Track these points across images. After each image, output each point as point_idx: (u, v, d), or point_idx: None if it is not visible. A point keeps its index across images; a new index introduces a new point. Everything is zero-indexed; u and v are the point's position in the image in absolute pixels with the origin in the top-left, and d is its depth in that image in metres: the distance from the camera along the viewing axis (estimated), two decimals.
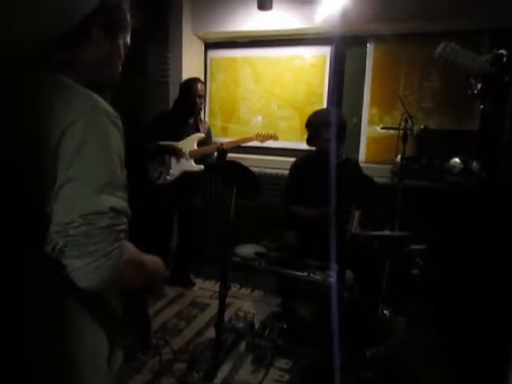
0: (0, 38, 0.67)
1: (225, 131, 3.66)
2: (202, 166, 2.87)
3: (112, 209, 0.67)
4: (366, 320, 2.16)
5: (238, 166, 2.09)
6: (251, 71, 3.50)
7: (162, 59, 3.33)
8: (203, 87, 2.93)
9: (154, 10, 3.27)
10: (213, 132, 3.31)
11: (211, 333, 2.30)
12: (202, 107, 3.05)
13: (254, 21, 3.17)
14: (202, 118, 3.21)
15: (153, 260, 0.84)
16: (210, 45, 3.64)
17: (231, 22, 3.25)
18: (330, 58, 3.23)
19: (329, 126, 2.24)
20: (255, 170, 2.21)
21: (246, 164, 2.11)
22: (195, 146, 2.87)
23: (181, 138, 2.85)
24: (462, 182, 2.53)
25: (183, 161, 2.85)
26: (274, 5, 2.92)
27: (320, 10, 2.92)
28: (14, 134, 0.67)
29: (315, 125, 2.36)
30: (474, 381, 1.96)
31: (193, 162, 2.86)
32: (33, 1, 0.67)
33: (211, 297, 2.93)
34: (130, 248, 0.73)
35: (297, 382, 2.02)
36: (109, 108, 0.71)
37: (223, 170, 2.25)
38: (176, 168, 2.85)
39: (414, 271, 2.11)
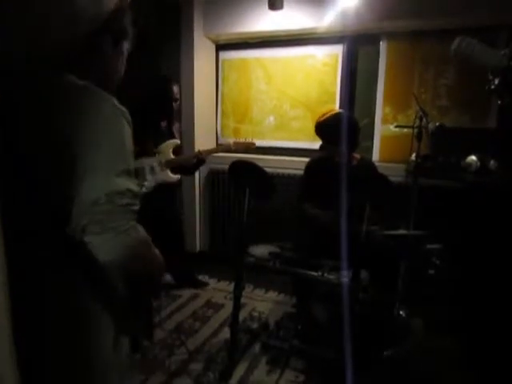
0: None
1: (237, 132, 3.66)
2: (179, 176, 2.61)
3: (130, 190, 0.76)
4: (381, 321, 2.14)
5: (252, 167, 2.08)
6: (263, 72, 3.50)
7: (174, 61, 3.36)
8: (178, 90, 2.67)
9: (165, 12, 3.30)
10: (225, 133, 3.29)
11: (226, 333, 2.31)
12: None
13: (265, 21, 3.17)
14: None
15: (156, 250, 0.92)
16: (222, 46, 3.65)
17: (242, 23, 3.26)
18: (343, 57, 3.20)
19: (338, 136, 2.21)
20: (268, 170, 2.20)
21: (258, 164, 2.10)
22: (171, 155, 2.55)
23: (152, 144, 2.51)
24: (478, 181, 2.49)
25: (159, 171, 2.48)
26: (284, 4, 2.91)
27: (331, 8, 2.91)
28: (38, 128, 0.74)
29: (324, 135, 2.35)
30: (492, 382, 1.93)
31: (169, 172, 2.54)
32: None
33: (225, 297, 2.94)
34: (141, 229, 0.80)
35: (312, 383, 2.01)
36: (122, 107, 0.79)
37: (237, 171, 2.24)
38: (151, 180, 2.44)
39: (431, 271, 2.08)
